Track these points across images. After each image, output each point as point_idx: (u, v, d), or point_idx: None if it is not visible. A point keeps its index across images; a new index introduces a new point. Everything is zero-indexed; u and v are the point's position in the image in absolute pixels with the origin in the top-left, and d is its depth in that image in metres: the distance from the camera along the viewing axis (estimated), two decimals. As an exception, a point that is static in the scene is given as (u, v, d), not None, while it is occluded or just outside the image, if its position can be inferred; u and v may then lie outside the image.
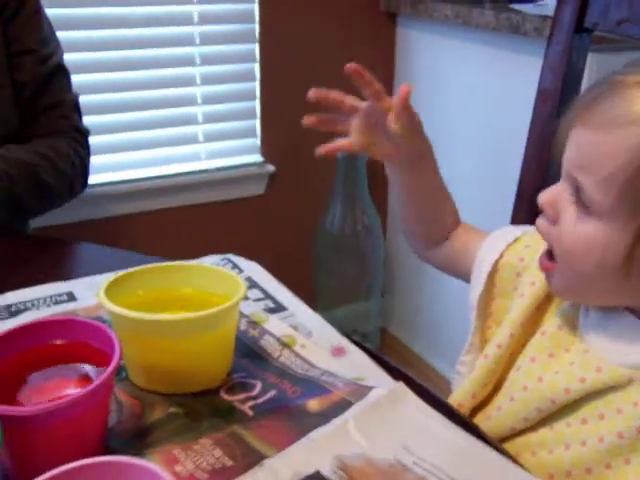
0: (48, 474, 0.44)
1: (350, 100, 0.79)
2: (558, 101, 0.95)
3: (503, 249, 0.80)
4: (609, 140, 0.60)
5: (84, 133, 1.29)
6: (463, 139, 1.89)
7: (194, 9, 1.77)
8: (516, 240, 0.80)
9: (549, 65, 0.98)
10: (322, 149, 0.77)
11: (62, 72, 1.26)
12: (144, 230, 1.85)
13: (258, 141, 1.95)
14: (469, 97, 1.86)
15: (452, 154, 1.95)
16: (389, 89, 2.09)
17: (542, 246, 0.71)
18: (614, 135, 0.60)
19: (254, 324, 0.77)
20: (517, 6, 1.71)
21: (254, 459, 0.57)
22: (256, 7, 1.84)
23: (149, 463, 0.46)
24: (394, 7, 2.00)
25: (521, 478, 0.58)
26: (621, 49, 1.45)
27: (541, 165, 0.98)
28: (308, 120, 0.78)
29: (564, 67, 0.96)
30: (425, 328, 2.16)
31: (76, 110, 1.29)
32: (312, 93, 0.77)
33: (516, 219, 1.01)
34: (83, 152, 1.27)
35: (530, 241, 0.79)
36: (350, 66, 0.75)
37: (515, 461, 0.61)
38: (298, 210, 2.04)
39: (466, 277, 0.84)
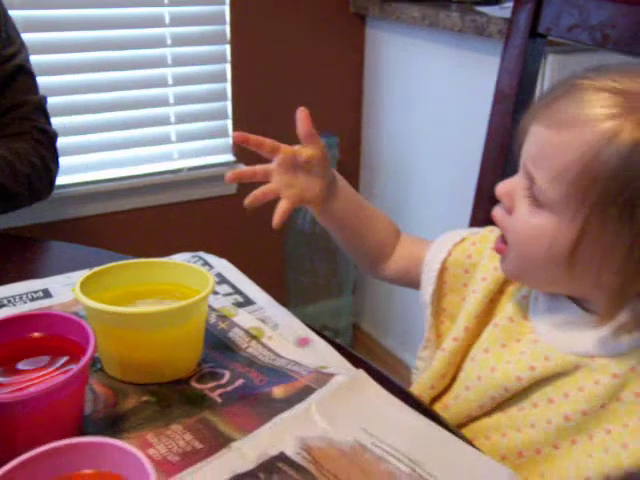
0: (28, 454, 0.47)
1: (269, 142, 0.82)
2: (514, 102, 1.00)
3: (450, 248, 0.84)
4: (562, 138, 0.64)
5: (50, 135, 1.28)
6: (430, 137, 1.94)
7: (165, 11, 1.79)
8: (463, 240, 0.84)
9: (506, 67, 1.02)
10: (248, 200, 0.81)
11: (25, 73, 1.25)
12: (117, 230, 1.88)
13: (230, 141, 1.98)
14: (436, 96, 1.90)
15: (419, 152, 1.99)
16: (358, 89, 2.14)
17: (489, 243, 0.76)
18: (566, 134, 0.64)
19: (223, 317, 0.81)
20: (482, 8, 1.76)
21: (222, 442, 0.61)
22: (227, 9, 1.87)
23: (124, 443, 0.49)
24: (363, 9, 2.04)
25: (474, 458, 0.62)
26: (579, 51, 1.51)
27: (499, 163, 1.02)
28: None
29: (520, 69, 1.00)
30: (396, 324, 2.20)
31: (41, 112, 1.28)
32: (236, 135, 0.81)
33: (475, 216, 1.05)
34: (47, 153, 1.25)
35: (476, 239, 0.83)
36: (235, 136, 0.80)
37: (470, 443, 0.65)
38: (270, 209, 2.06)
39: (417, 285, 0.88)
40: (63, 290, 0.86)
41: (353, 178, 2.22)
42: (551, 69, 1.53)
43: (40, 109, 1.28)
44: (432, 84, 1.91)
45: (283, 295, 2.14)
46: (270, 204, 0.83)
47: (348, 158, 2.16)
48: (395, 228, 0.92)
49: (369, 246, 0.90)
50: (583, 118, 0.63)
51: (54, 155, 1.29)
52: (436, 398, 0.81)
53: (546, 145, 0.66)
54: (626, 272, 0.63)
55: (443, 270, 0.84)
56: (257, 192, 0.81)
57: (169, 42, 1.81)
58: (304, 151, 0.80)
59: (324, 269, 2.16)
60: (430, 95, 1.92)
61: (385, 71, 2.08)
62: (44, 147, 1.25)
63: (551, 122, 0.65)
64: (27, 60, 1.27)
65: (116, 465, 0.49)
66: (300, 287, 2.18)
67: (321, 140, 0.82)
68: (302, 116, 0.80)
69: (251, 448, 0.60)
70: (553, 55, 1.55)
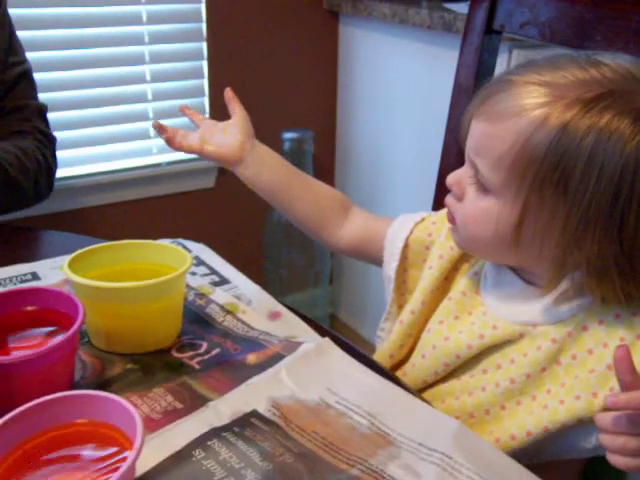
0: (27, 405, 0.54)
1: (181, 133, 0.97)
2: (471, 95, 1.06)
3: (412, 227, 0.90)
4: (498, 129, 0.71)
5: (50, 139, 1.34)
6: (401, 130, 2.00)
7: (143, 9, 1.84)
8: (423, 219, 0.91)
9: (464, 62, 1.09)
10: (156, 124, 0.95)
11: (27, 80, 1.32)
12: (98, 223, 1.93)
13: (208, 135, 2.03)
14: (407, 90, 1.96)
15: (391, 145, 2.06)
16: (332, 84, 2.20)
17: (446, 222, 0.83)
18: (502, 125, 0.70)
19: (201, 295, 0.87)
20: (450, 5, 1.83)
21: (200, 402, 0.68)
22: (203, 7, 1.92)
23: (114, 395, 0.56)
24: (336, 5, 2.10)
25: (427, 412, 0.69)
26: (542, 46, 1.58)
27: (458, 155, 1.09)
28: (155, 124, 0.95)
29: (476, 64, 1.07)
30: (373, 314, 2.26)
31: (41, 117, 1.34)
32: (154, 123, 0.95)
33: (437, 204, 1.12)
34: (48, 153, 1.31)
35: (436, 218, 0.90)
36: (153, 124, 0.96)
37: (423, 400, 0.72)
38: (247, 202, 2.11)
39: (375, 260, 0.94)
40: (51, 273, 0.92)
41: (328, 171, 2.29)
42: (517, 63, 1.60)
43: (41, 114, 1.34)
44: (403, 79, 1.97)
45: (261, 286, 2.19)
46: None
47: (323, 152, 2.22)
48: (341, 200, 0.97)
49: (305, 214, 0.95)
50: (515, 109, 0.69)
51: (54, 157, 1.34)
52: (395, 367, 0.88)
53: (484, 136, 0.72)
54: (564, 244, 0.69)
55: (405, 247, 0.90)
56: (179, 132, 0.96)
57: (147, 40, 1.87)
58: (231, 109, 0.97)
59: (301, 260, 2.22)
60: (401, 89, 1.98)
61: (358, 66, 2.14)
62: (45, 147, 1.31)
63: (487, 115, 0.72)
64: (30, 71, 1.34)
65: (106, 415, 0.55)
66: (278, 278, 2.24)
67: (241, 109, 0.96)
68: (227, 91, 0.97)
69: (226, 406, 0.67)
70: (517, 50, 1.63)
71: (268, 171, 0.94)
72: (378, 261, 0.94)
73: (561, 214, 0.68)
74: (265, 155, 0.94)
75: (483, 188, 0.73)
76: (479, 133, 0.73)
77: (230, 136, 0.94)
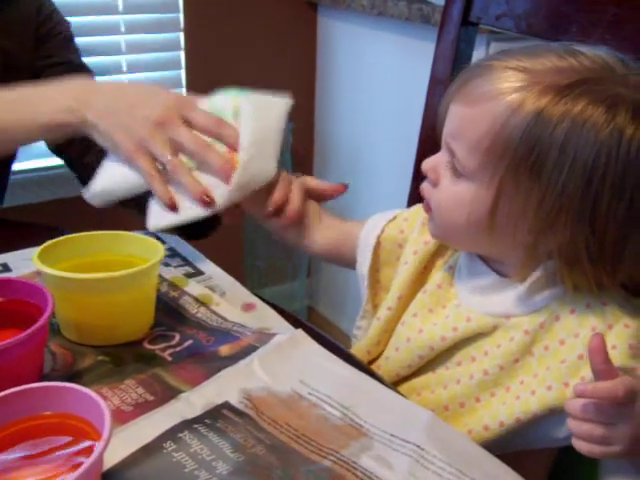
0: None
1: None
2: (447, 86, 1.06)
3: (384, 225, 0.90)
4: (475, 112, 0.71)
5: None
6: (379, 121, 2.00)
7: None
8: (395, 217, 0.91)
9: (440, 54, 1.09)
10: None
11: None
12: (73, 215, 1.90)
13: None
14: (385, 82, 1.96)
15: (369, 136, 2.06)
16: (311, 76, 2.19)
17: (419, 217, 0.83)
18: (479, 108, 0.71)
19: (175, 287, 0.87)
20: (428, -3, 1.83)
21: (172, 394, 0.67)
22: (180, -3, 1.92)
23: (81, 387, 0.55)
24: (315, -3, 2.10)
25: (399, 403, 0.69)
26: (519, 39, 1.58)
27: (434, 146, 1.09)
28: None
29: (453, 56, 1.07)
30: (351, 307, 2.26)
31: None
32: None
33: (413, 193, 1.12)
34: None
35: (407, 215, 0.90)
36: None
37: (396, 391, 0.72)
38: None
39: (350, 263, 0.95)
40: (22, 264, 0.91)
41: (307, 162, 2.28)
42: (495, 53, 1.61)
43: None
44: (381, 70, 1.97)
45: (240, 279, 2.19)
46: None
47: (302, 143, 2.22)
48: (314, 204, 0.97)
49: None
50: (493, 93, 0.70)
51: None
52: (371, 362, 0.88)
53: (462, 120, 0.73)
54: (537, 230, 0.70)
55: (377, 245, 0.90)
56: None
57: (123, 29, 1.85)
58: None
59: (279, 253, 2.21)
60: (379, 81, 1.98)
61: (337, 58, 2.14)
62: None
63: (466, 99, 0.72)
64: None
65: (74, 407, 0.55)
66: (256, 271, 2.24)
67: None
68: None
69: (198, 398, 0.66)
70: (495, 43, 1.63)
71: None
72: (353, 264, 0.94)
73: (535, 198, 0.68)
74: None
75: (458, 173, 0.74)
76: (457, 117, 0.74)
77: None
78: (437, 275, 0.84)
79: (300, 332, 0.76)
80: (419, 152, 1.13)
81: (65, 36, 1.28)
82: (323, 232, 0.96)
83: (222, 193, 0.86)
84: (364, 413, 0.66)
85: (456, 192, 0.74)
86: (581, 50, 0.70)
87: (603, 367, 0.60)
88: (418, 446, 0.62)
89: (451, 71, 1.07)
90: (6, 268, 0.91)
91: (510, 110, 0.68)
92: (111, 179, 0.91)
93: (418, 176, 1.12)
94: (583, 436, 0.61)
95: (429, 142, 1.12)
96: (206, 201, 0.86)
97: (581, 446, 0.62)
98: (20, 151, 1.28)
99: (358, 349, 0.89)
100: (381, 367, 0.85)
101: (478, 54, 1.22)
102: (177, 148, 0.87)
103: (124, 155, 0.89)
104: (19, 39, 0.94)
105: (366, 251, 0.91)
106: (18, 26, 1.16)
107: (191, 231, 1.03)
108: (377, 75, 2.00)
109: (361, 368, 0.74)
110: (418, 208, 0.89)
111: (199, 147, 0.86)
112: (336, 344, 0.79)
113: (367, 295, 0.92)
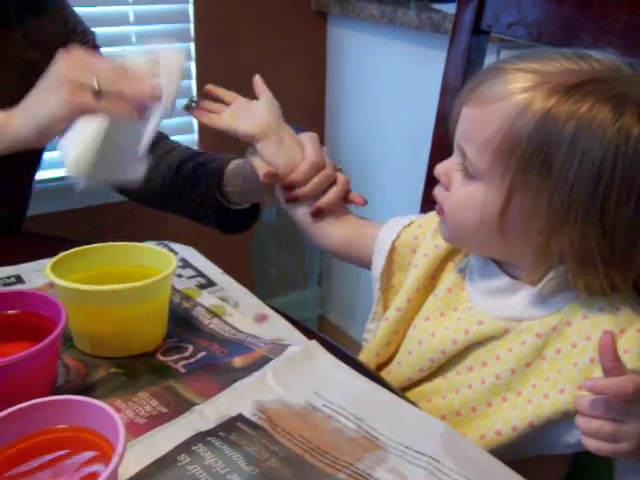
0: (6, 411, 0.53)
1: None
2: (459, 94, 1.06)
3: (400, 230, 0.91)
4: (485, 113, 0.72)
5: None
6: (390, 129, 2.00)
7: (130, 9, 1.84)
8: (411, 223, 0.91)
9: (451, 62, 1.09)
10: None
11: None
12: (84, 226, 1.91)
13: (196, 136, 2.03)
14: (395, 90, 1.96)
15: (380, 144, 2.06)
16: (321, 85, 2.20)
17: (432, 224, 0.83)
18: (489, 109, 0.71)
19: (187, 298, 0.86)
20: (438, 6, 1.82)
21: (185, 406, 0.67)
22: (191, 7, 1.92)
23: (95, 400, 0.55)
24: (324, 6, 2.10)
25: (414, 414, 0.69)
26: (530, 47, 1.58)
27: (446, 154, 1.09)
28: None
29: (464, 64, 1.07)
30: (362, 315, 2.25)
31: None
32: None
33: (426, 200, 1.12)
34: None
35: (422, 222, 0.90)
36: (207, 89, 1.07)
37: (410, 402, 0.71)
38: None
39: (363, 261, 0.95)
40: (35, 275, 0.91)
41: (317, 171, 2.28)
42: (506, 60, 1.60)
43: None
44: (391, 78, 1.97)
45: (250, 288, 2.19)
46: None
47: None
48: None
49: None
50: (502, 94, 0.70)
51: None
52: (382, 366, 0.88)
53: (474, 121, 0.73)
54: (547, 230, 0.70)
55: (392, 250, 0.90)
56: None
57: (134, 40, 1.86)
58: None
59: (290, 261, 2.21)
60: (389, 89, 1.98)
61: (347, 67, 2.14)
62: None
63: (477, 101, 0.73)
64: None
65: (88, 420, 0.55)
66: (267, 279, 2.24)
67: (268, 92, 1.03)
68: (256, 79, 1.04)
69: (212, 410, 0.66)
70: (506, 51, 1.62)
71: (285, 152, 0.96)
72: (365, 262, 0.94)
73: (544, 197, 0.69)
74: (285, 137, 0.97)
75: (470, 175, 0.74)
76: (468, 118, 0.75)
77: (258, 113, 0.98)
78: (448, 278, 0.84)
79: (314, 343, 0.76)
80: (431, 159, 1.12)
81: (90, 46, 1.29)
82: (341, 227, 0.98)
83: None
84: (379, 425, 0.65)
85: (468, 193, 0.74)
86: (590, 53, 0.71)
87: (612, 364, 0.60)
88: (433, 458, 0.61)
89: (462, 79, 1.07)
90: (19, 280, 0.91)
91: (519, 109, 0.69)
92: (77, 143, 0.93)
93: (431, 183, 1.12)
94: (592, 433, 0.62)
95: (441, 150, 1.11)
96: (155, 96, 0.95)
97: (590, 443, 0.62)
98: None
99: (367, 351, 0.89)
100: (393, 372, 0.85)
101: (489, 62, 1.22)
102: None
103: (65, 111, 0.90)
104: (47, 52, 0.96)
105: (381, 255, 0.91)
106: (46, 40, 1.18)
107: (232, 222, 1.17)
108: (387, 83, 2.00)
109: (374, 378, 0.73)
110: (432, 215, 0.89)
111: (118, 73, 0.91)
112: (348, 354, 0.79)
113: (379, 295, 0.92)
